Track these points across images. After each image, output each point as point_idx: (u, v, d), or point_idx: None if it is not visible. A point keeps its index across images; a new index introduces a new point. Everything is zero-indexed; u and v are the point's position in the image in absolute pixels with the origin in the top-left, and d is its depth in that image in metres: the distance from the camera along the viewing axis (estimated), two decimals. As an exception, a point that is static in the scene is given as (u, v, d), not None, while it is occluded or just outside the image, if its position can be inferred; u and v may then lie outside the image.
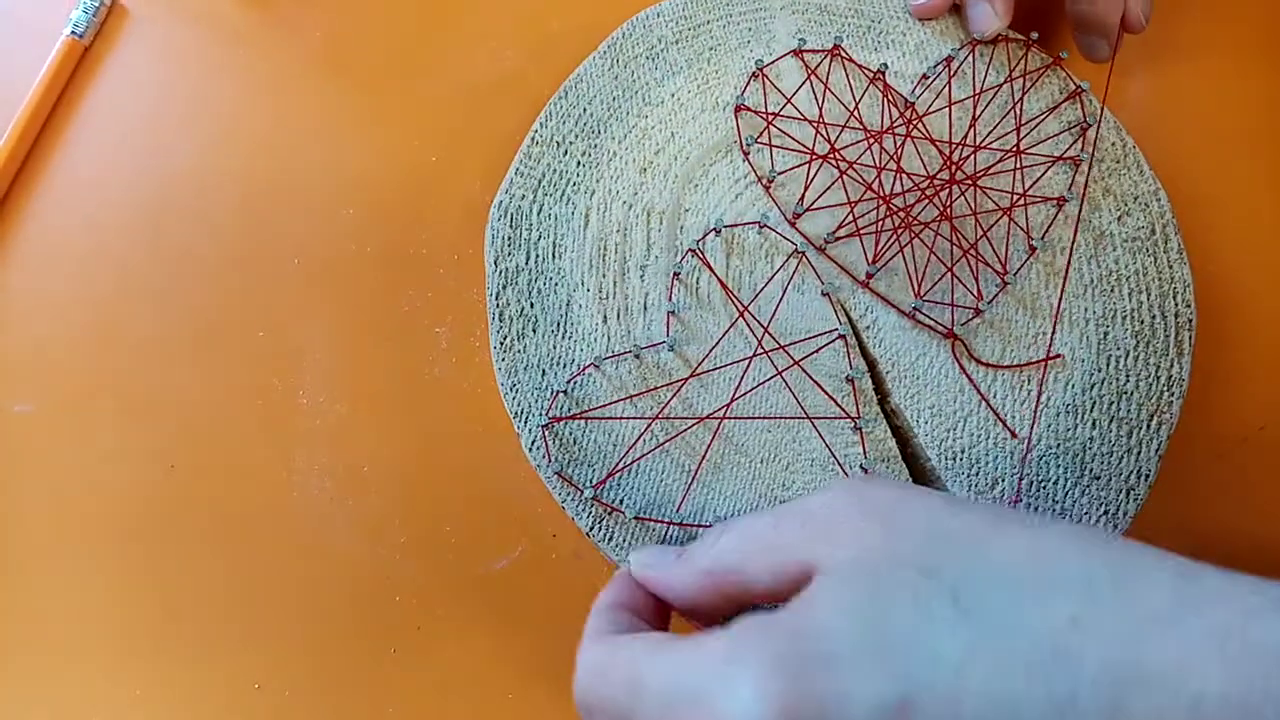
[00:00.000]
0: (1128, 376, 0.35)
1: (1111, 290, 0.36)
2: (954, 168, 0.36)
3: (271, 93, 0.40)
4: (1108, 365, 0.35)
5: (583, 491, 0.32)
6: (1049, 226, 0.36)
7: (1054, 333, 0.35)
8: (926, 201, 0.36)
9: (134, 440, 0.35)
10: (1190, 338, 0.35)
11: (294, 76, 0.40)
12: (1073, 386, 0.35)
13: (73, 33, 0.39)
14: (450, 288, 0.37)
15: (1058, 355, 0.35)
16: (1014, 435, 0.34)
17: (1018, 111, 0.37)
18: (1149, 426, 0.35)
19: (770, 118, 0.36)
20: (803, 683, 0.20)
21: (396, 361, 0.36)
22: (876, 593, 0.22)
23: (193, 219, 0.38)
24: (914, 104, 0.37)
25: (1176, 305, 0.36)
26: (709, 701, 0.21)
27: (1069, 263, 0.35)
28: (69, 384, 0.36)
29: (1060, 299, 0.35)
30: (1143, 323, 0.35)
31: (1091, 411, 0.34)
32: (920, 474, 0.35)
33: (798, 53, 0.37)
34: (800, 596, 0.23)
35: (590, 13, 0.41)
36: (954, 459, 0.34)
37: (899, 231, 0.35)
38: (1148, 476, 0.34)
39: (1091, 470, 0.34)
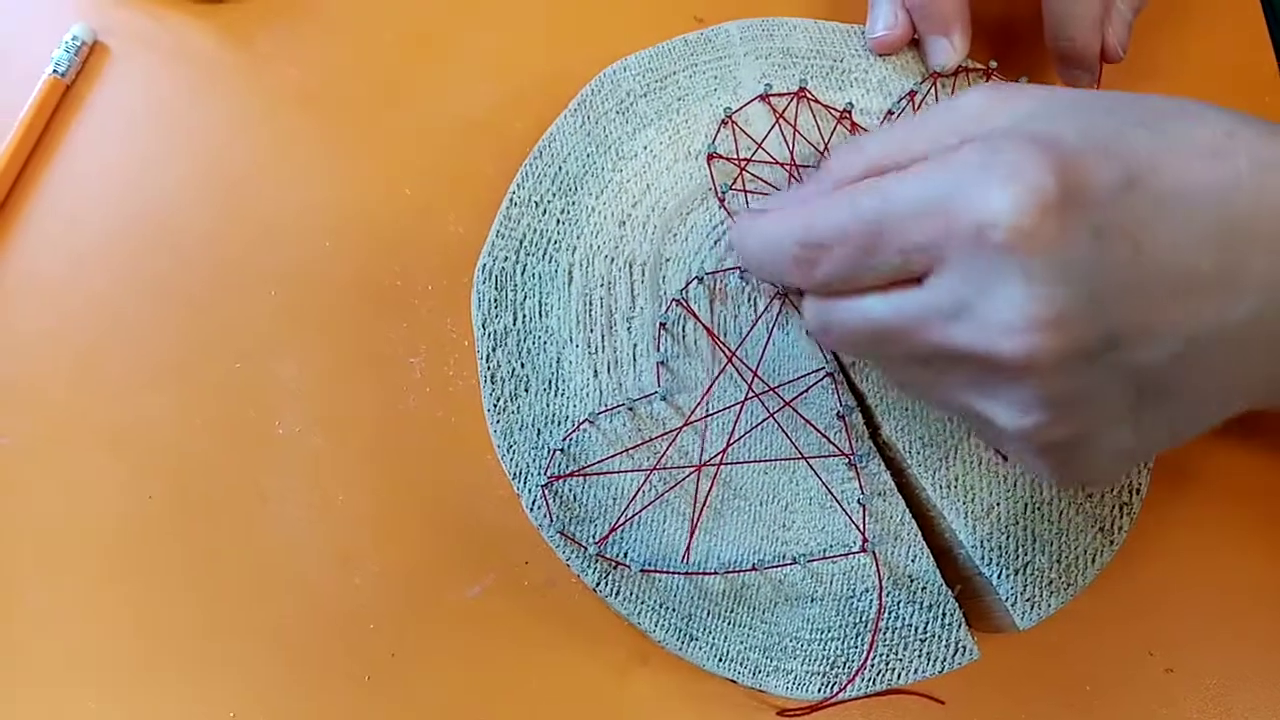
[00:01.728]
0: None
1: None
2: (926, 200, 0.37)
3: (250, 128, 0.40)
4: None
5: (586, 549, 0.33)
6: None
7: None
8: (902, 235, 0.36)
9: (112, 471, 0.36)
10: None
11: (272, 112, 0.41)
12: (1058, 406, 0.35)
13: (54, 72, 0.40)
14: (424, 319, 0.38)
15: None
16: (1004, 459, 0.35)
17: (983, 140, 0.38)
18: (1136, 439, 0.35)
19: (742, 164, 0.37)
20: (1065, 161, 0.23)
21: (371, 392, 0.37)
22: (1075, 115, 0.25)
23: (172, 253, 0.38)
24: (882, 140, 0.38)
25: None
26: (974, 200, 0.24)
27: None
28: (47, 416, 0.36)
29: None
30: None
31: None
32: (917, 505, 0.35)
33: (764, 97, 0.38)
34: (1012, 128, 0.26)
35: (563, 53, 0.42)
36: (949, 488, 0.34)
37: (877, 266, 0.36)
38: (1139, 490, 0.35)
39: (1084, 488, 0.35)
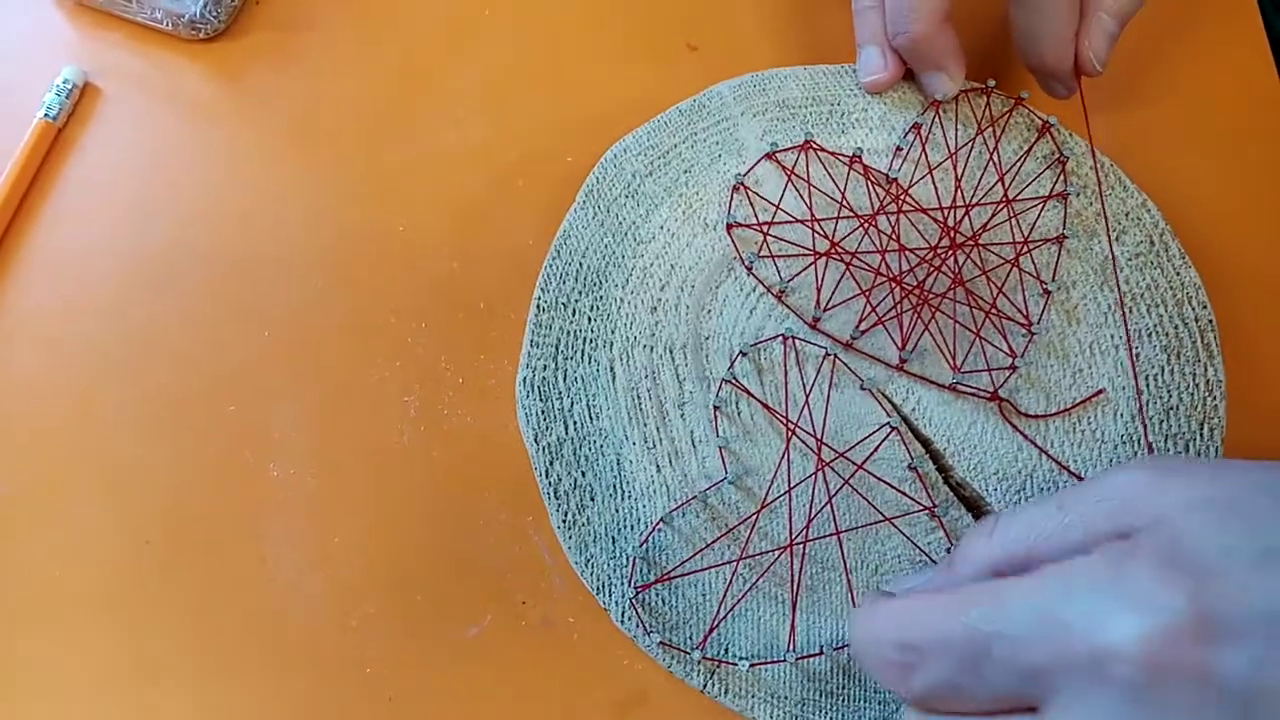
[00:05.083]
0: (1169, 391, 0.35)
1: (1130, 311, 0.36)
2: (952, 232, 0.36)
3: (242, 167, 0.40)
4: (1148, 386, 0.36)
5: (689, 654, 0.32)
6: (1055, 266, 0.36)
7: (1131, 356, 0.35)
8: (936, 272, 0.36)
9: (109, 517, 0.35)
10: (1215, 338, 0.36)
11: (263, 151, 0.40)
12: (1121, 416, 0.35)
13: (45, 115, 0.40)
14: (418, 356, 0.37)
15: (1100, 390, 0.35)
16: (1080, 479, 0.34)
17: (996, 160, 0.38)
18: (1202, 435, 0.35)
19: (763, 228, 0.36)
20: (1201, 591, 0.20)
21: (366, 431, 0.36)
22: (1236, 517, 0.22)
23: (165, 295, 0.38)
24: (896, 179, 0.37)
25: (1194, 309, 0.36)
26: (1095, 624, 0.21)
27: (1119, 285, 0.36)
28: (43, 462, 0.36)
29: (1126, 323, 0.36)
30: (1168, 335, 0.36)
31: (1145, 436, 0.35)
32: (1003, 541, 0.35)
33: (771, 156, 0.37)
34: (1149, 534, 0.22)
35: (554, 85, 0.41)
36: (1031, 518, 0.34)
37: (919, 309, 0.35)
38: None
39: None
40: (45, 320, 0.38)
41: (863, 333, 0.35)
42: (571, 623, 0.34)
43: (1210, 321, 0.36)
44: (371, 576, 0.35)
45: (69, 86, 0.40)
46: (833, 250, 0.36)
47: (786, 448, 0.34)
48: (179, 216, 0.39)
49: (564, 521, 0.34)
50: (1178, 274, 0.37)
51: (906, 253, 0.36)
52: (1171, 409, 0.35)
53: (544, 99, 0.41)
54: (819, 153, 0.37)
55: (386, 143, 0.40)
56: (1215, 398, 0.36)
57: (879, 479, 0.34)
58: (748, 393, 0.35)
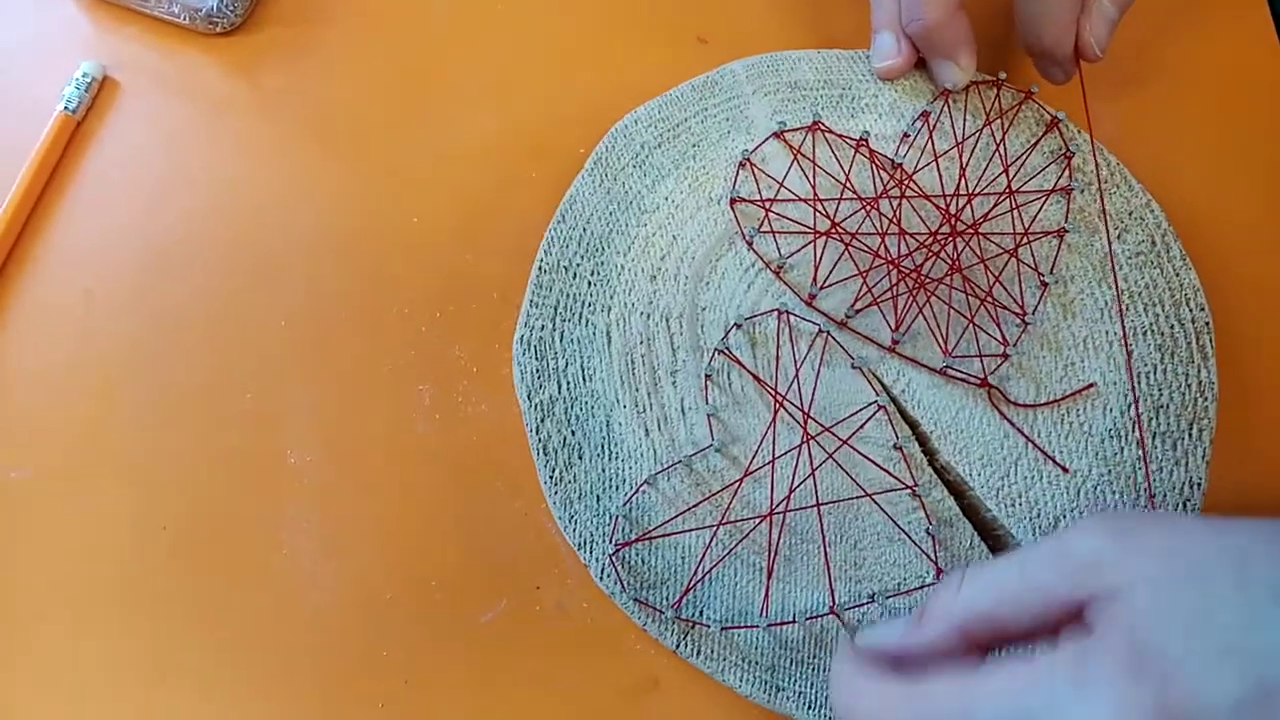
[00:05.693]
0: (1160, 390, 0.36)
1: (1127, 308, 0.36)
2: (953, 219, 0.37)
3: (257, 160, 0.41)
4: (1139, 383, 0.36)
5: (664, 613, 0.32)
6: (1055, 259, 0.37)
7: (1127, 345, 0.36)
8: (934, 258, 0.36)
9: (127, 503, 0.36)
10: (1210, 340, 0.36)
11: (279, 144, 0.41)
12: (1111, 411, 0.35)
13: (65, 108, 0.41)
14: (432, 346, 0.38)
15: (1091, 384, 0.35)
16: (1065, 470, 0.35)
17: (1002, 152, 0.38)
18: (1191, 435, 0.35)
19: (766, 205, 0.37)
20: (1164, 690, 0.21)
21: (381, 420, 0.37)
22: (1194, 601, 0.22)
23: (182, 286, 0.39)
24: (901, 164, 0.37)
25: (1191, 311, 0.37)
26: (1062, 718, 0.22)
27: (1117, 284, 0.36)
28: (63, 448, 0.37)
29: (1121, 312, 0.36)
30: (1163, 334, 0.36)
31: (1134, 431, 0.35)
32: (983, 526, 0.35)
33: (779, 135, 0.38)
34: (1110, 618, 0.23)
35: (565, 79, 0.42)
36: (1013, 504, 0.34)
37: (915, 293, 0.36)
38: (1200, 485, 0.35)
39: (1146, 490, 0.35)
40: (65, 311, 0.38)
41: (857, 312, 0.36)
42: (585, 608, 0.35)
43: (1207, 324, 0.36)
44: (387, 562, 0.35)
45: (88, 80, 0.41)
46: (833, 230, 0.36)
47: (774, 419, 0.35)
48: (196, 209, 0.40)
49: (551, 477, 0.34)
50: (1177, 275, 0.37)
51: (906, 237, 0.36)
52: (1161, 407, 0.35)
53: (556, 92, 0.42)
54: (826, 134, 0.38)
55: (401, 135, 0.41)
56: (1206, 399, 0.36)
57: (864, 456, 0.34)
58: (739, 363, 0.35)
